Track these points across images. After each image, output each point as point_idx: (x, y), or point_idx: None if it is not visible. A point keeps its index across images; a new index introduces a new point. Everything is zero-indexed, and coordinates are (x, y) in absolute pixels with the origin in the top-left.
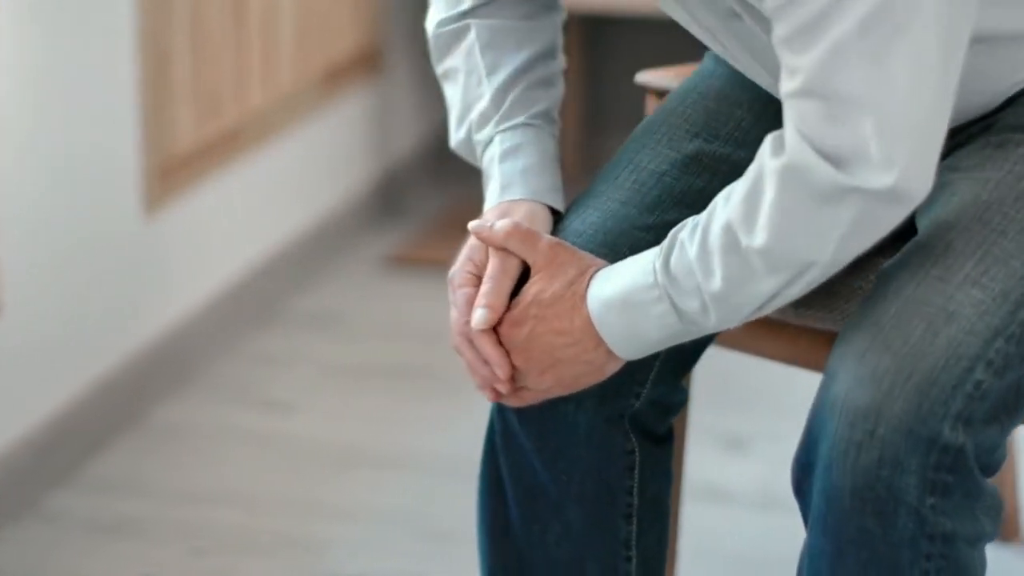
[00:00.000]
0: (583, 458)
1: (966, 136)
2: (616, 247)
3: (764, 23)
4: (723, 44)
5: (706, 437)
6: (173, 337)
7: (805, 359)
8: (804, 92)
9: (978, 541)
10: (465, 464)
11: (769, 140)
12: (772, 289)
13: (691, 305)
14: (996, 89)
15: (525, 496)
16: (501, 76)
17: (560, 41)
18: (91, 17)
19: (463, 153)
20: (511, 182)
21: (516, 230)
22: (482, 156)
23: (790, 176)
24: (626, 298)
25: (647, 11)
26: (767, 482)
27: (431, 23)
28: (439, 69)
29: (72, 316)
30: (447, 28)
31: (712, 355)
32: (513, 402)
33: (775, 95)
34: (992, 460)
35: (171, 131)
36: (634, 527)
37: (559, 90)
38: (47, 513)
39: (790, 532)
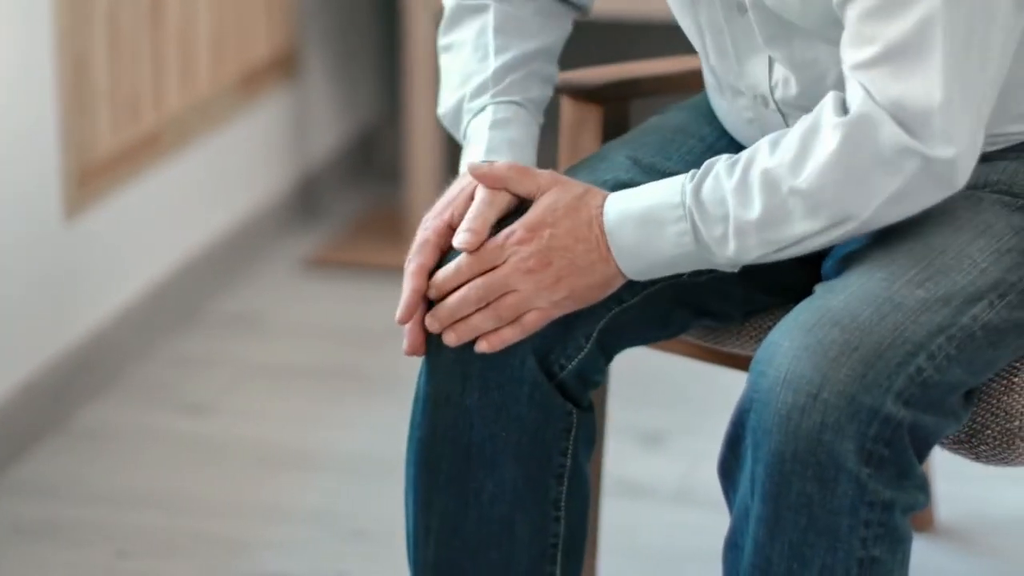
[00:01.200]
0: (524, 416)
1: None
2: None
3: (766, 19)
4: (714, 43)
5: (624, 433)
6: (94, 341)
7: (723, 357)
8: (882, 57)
9: (910, 511)
10: (384, 462)
11: (831, 100)
12: (803, 233)
13: (714, 232)
14: None
15: (460, 456)
16: (506, 57)
17: (560, 50)
18: (8, 22)
19: (447, 123)
20: (498, 148)
21: (515, 166)
22: (469, 123)
23: (857, 131)
24: (646, 213)
25: None
26: (684, 477)
27: None
28: (445, 40)
29: None
30: (468, 2)
31: (630, 353)
32: (514, 333)
33: (741, 111)
34: (923, 450)
35: (90, 136)
36: (564, 488)
37: (550, 90)
38: None
39: (706, 526)
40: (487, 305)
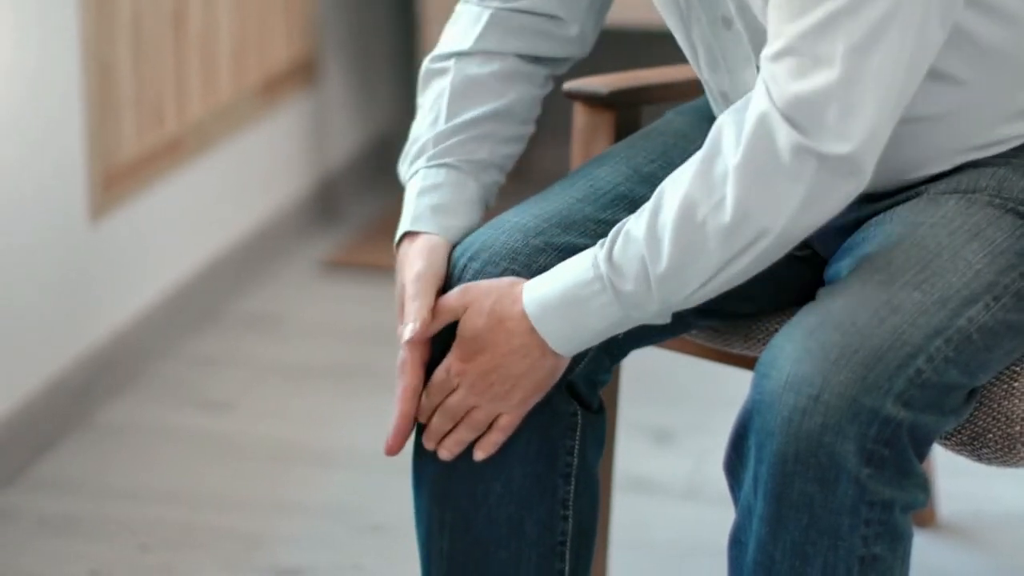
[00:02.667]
0: (531, 416)
1: (893, 206)
2: (570, 228)
3: (753, 31)
4: (706, 55)
5: (635, 431)
6: (117, 340)
7: (732, 357)
8: (783, 51)
9: (910, 509)
10: (399, 459)
11: (729, 123)
12: (721, 260)
13: (635, 291)
14: (911, 166)
15: (468, 455)
16: (454, 121)
17: (535, 110)
18: (35, 31)
19: (401, 176)
20: (421, 215)
21: (424, 319)
22: (407, 188)
23: (755, 142)
24: (565, 295)
25: None
26: (693, 473)
27: (428, 56)
28: (418, 100)
29: (20, 321)
30: (434, 66)
31: (641, 353)
32: (499, 437)
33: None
34: (922, 449)
35: (114, 140)
36: (572, 487)
37: (513, 149)
38: None
39: (715, 521)
40: (462, 420)
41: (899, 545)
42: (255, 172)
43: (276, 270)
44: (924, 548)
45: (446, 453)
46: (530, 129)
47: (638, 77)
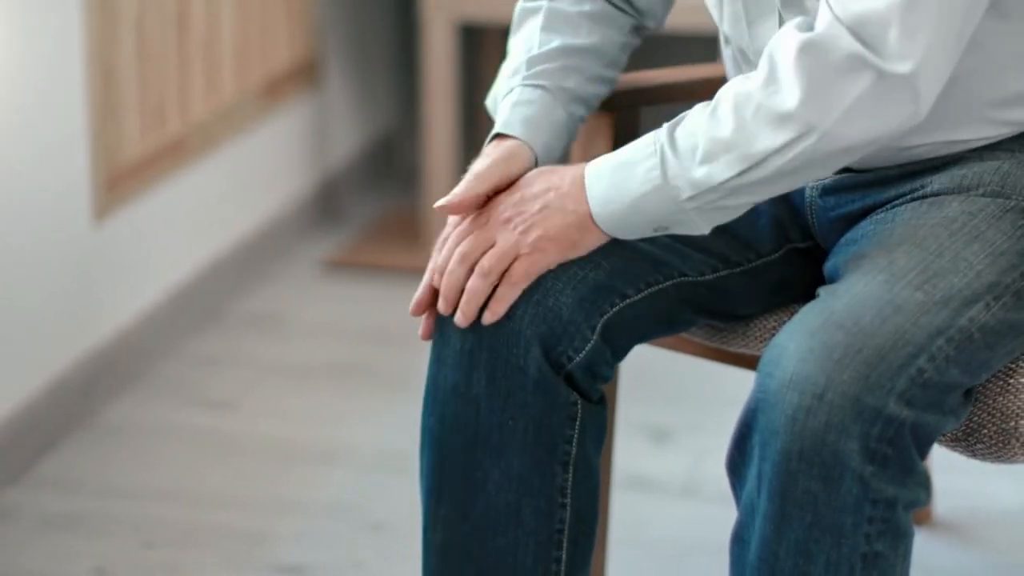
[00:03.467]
0: (530, 404)
1: (897, 198)
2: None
3: None
4: (730, 9)
5: (634, 429)
6: (120, 340)
7: (730, 355)
8: None
9: (912, 507)
10: (400, 457)
11: (794, 21)
12: (769, 147)
13: (682, 157)
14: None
15: (467, 444)
16: (545, 48)
17: (622, 57)
18: (40, 34)
19: (490, 109)
20: (510, 122)
21: (458, 195)
22: (499, 108)
23: (816, 43)
24: (623, 159)
25: None
26: (691, 472)
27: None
28: (509, 43)
29: (23, 320)
30: (528, 5)
31: (640, 352)
32: (508, 291)
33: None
34: (924, 447)
35: (118, 142)
36: (570, 475)
37: (598, 89)
38: (2, 510)
39: (713, 519)
40: (475, 268)
41: (901, 543)
42: (257, 173)
43: (278, 270)
44: (920, 546)
45: (461, 317)
46: (615, 74)
47: (637, 79)
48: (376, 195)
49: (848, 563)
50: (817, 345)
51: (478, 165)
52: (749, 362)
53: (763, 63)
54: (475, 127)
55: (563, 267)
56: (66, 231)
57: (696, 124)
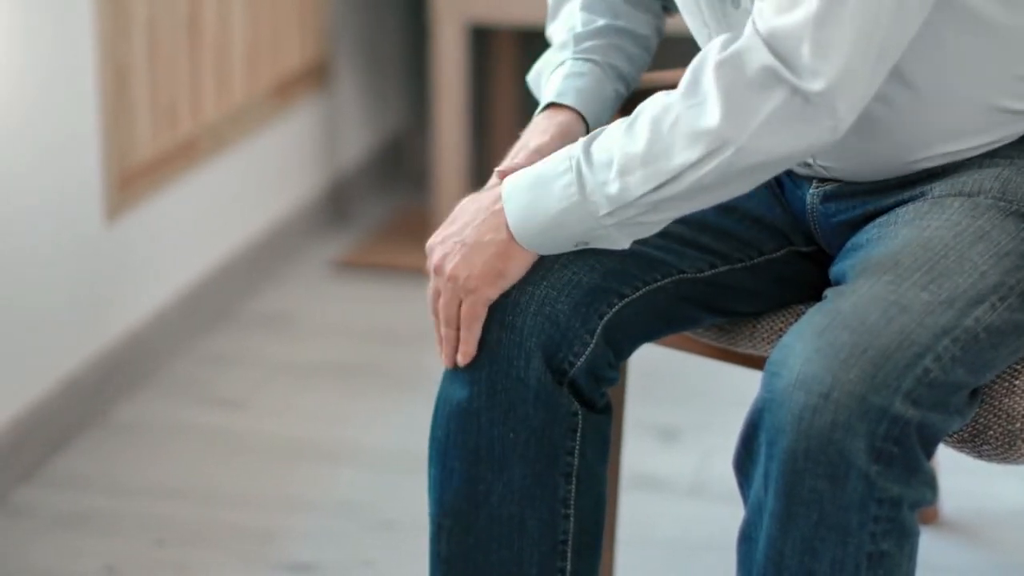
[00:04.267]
0: (531, 416)
1: (897, 205)
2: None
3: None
4: (716, 35)
5: (641, 429)
6: (131, 339)
7: (737, 355)
8: None
9: (918, 506)
10: (409, 456)
11: (717, 43)
12: (683, 163)
13: (597, 177)
14: (906, 155)
15: (470, 458)
16: (589, 26)
17: (653, 40)
18: (52, 35)
19: (531, 84)
20: (565, 91)
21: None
22: (548, 79)
23: (733, 58)
24: (537, 176)
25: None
26: (698, 471)
27: None
28: (547, 32)
29: (36, 320)
30: None
31: (647, 352)
32: (465, 335)
33: None
34: (930, 447)
35: (129, 142)
36: (573, 487)
37: (635, 69)
38: (13, 508)
39: (720, 518)
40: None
41: (907, 542)
42: (268, 174)
43: (288, 270)
44: (926, 545)
45: (448, 363)
46: (647, 57)
47: (647, 79)
48: (386, 196)
49: (854, 562)
50: (824, 345)
51: (536, 139)
52: (756, 362)
53: (685, 76)
54: (485, 128)
55: (558, 274)
56: (77, 231)
57: (612, 139)
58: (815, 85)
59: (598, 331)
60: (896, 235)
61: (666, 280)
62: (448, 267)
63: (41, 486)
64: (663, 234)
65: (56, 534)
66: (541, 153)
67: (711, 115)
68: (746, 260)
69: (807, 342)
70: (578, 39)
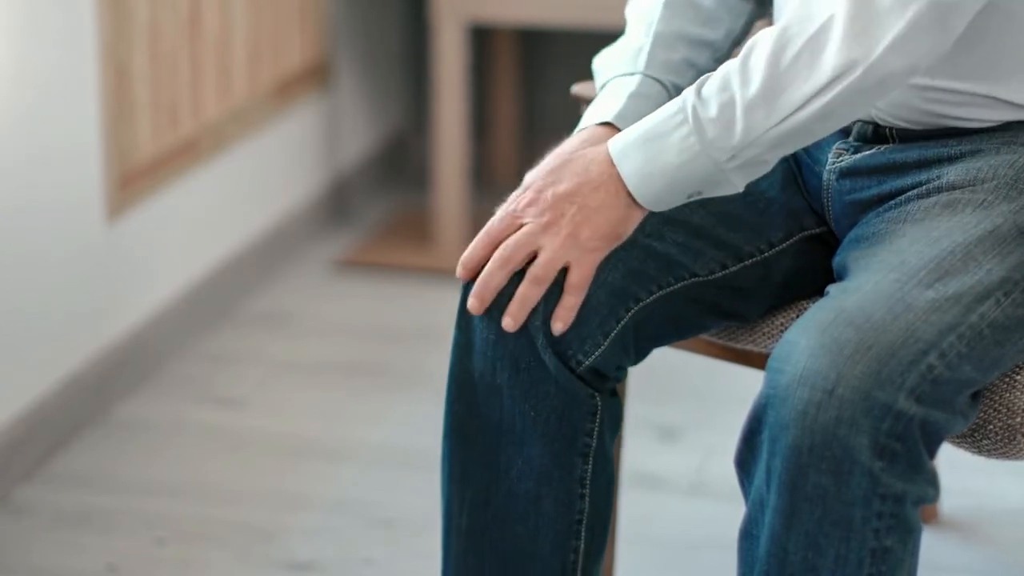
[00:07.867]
0: (552, 395)
1: (912, 188)
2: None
3: None
4: None
5: (641, 427)
6: (134, 337)
7: (737, 353)
8: None
9: (920, 503)
10: (410, 454)
11: None
12: (810, 90)
13: (717, 119)
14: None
15: (491, 433)
16: (666, 28)
17: (731, 52)
18: (54, 35)
19: (596, 67)
20: (626, 114)
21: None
22: (614, 79)
23: None
24: (648, 132)
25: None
26: (698, 470)
27: None
28: (627, 12)
29: (38, 318)
30: None
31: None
32: (571, 299)
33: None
34: (933, 445)
35: (131, 142)
36: (590, 466)
37: (693, 78)
38: (14, 506)
39: (720, 516)
40: (524, 273)
41: (910, 538)
42: (269, 173)
43: (289, 269)
44: (927, 544)
45: (510, 321)
46: (714, 67)
47: None
48: (386, 195)
49: (857, 557)
50: (828, 341)
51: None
52: (757, 360)
53: (792, 6)
54: (485, 128)
55: None
56: (79, 230)
57: (726, 80)
58: None
59: (612, 335)
60: (904, 232)
61: (678, 284)
62: (564, 222)
63: (42, 484)
64: (683, 229)
65: (57, 532)
66: None
67: (835, 39)
68: (756, 255)
69: (811, 338)
70: (654, 49)
